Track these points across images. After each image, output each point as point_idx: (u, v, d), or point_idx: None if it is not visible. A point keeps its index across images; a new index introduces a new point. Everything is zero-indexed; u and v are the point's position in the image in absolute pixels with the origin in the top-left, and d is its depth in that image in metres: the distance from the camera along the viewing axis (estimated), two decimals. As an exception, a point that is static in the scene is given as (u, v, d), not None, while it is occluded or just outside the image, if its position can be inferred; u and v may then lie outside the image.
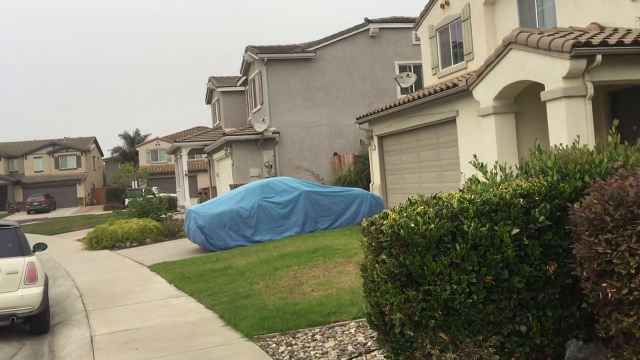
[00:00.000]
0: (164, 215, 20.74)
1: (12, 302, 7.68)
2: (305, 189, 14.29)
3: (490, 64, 12.46)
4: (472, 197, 4.40)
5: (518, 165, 5.17)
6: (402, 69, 24.91)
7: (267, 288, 8.56)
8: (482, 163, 5.23)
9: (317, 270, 9.29)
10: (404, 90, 24.49)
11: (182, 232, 18.11)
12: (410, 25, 24.70)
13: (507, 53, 11.87)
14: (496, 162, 5.43)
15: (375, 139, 19.42)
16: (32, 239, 24.44)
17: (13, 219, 47.84)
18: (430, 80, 18.93)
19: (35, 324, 8.10)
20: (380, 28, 25.21)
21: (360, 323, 6.45)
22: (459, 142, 14.68)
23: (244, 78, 28.81)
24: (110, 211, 37.51)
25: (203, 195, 34.43)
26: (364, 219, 4.90)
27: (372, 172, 19.88)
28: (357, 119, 20.08)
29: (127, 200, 39.22)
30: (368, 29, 25.16)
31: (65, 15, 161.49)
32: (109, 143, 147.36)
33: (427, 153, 16.55)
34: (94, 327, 7.64)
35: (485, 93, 12.79)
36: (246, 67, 27.39)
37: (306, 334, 6.37)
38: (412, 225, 4.24)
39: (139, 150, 65.70)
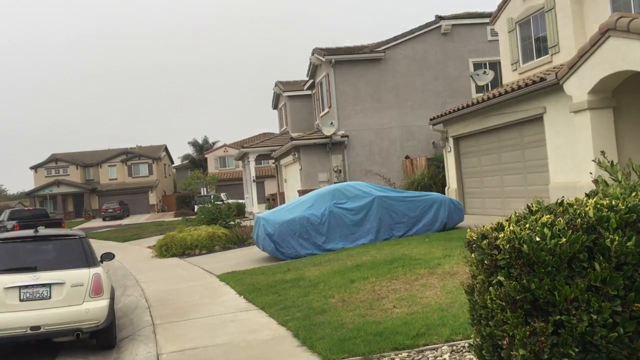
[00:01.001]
0: (232, 222, 20.42)
1: (77, 316, 7.29)
2: (378, 194, 13.49)
3: (584, 55, 11.28)
4: (613, 203, 3.50)
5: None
6: (477, 66, 23.69)
7: (344, 303, 7.82)
8: (611, 162, 4.27)
9: (398, 283, 8.47)
10: (479, 89, 23.31)
11: (251, 240, 17.68)
12: (485, 20, 23.49)
13: (605, 41, 10.69)
14: (629, 160, 4.45)
15: (451, 141, 18.38)
16: (106, 245, 24.91)
17: (89, 225, 49.43)
18: (509, 77, 17.72)
19: (102, 338, 7.69)
20: (452, 25, 24.11)
21: (455, 347, 5.60)
22: (547, 142, 13.50)
23: (310, 81, 28.31)
24: (181, 218, 37.90)
25: (271, 201, 34.16)
26: (468, 231, 4.06)
27: (448, 176, 18.83)
28: (431, 119, 19.10)
29: (196, 207, 39.59)
30: (440, 26, 24.11)
31: (136, 30, 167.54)
32: (179, 151, 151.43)
33: (510, 154, 15.40)
34: (161, 344, 7.12)
35: (579, 87, 11.61)
36: (313, 70, 26.87)
37: (392, 359, 5.58)
38: (538, 239, 3.39)
39: (208, 157, 66.72)
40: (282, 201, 29.45)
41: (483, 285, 3.78)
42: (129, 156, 66.92)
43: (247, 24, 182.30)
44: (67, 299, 7.31)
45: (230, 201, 34.65)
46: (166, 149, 73.81)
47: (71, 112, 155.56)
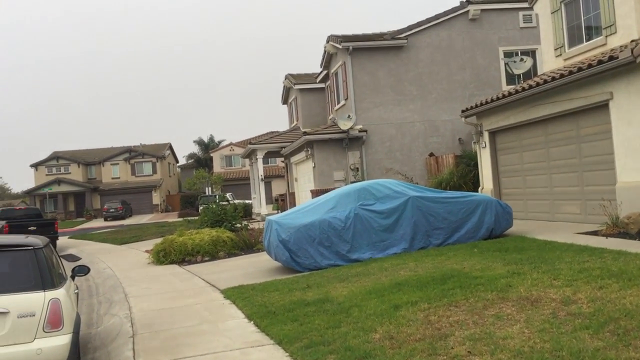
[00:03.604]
0: (239, 225, 18.33)
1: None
2: (413, 193, 11.37)
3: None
4: None
5: None
6: (508, 55, 21.56)
7: (392, 341, 5.72)
8: None
9: (460, 312, 6.36)
10: (510, 80, 21.21)
11: (260, 245, 15.61)
12: (517, 5, 21.41)
13: None
14: None
15: (486, 135, 16.24)
16: (101, 249, 22.84)
17: (89, 226, 47.50)
18: (552, 64, 15.57)
19: (60, 390, 5.62)
20: (481, 10, 21.98)
21: None
22: (614, 133, 11.35)
23: (324, 73, 26.21)
24: (183, 219, 35.88)
25: (280, 202, 32.11)
26: None
27: (482, 174, 16.68)
28: (463, 111, 16.96)
29: (200, 207, 37.58)
30: (468, 11, 21.99)
31: (141, 26, 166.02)
32: (184, 149, 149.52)
33: (562, 149, 13.26)
34: (139, 401, 5.05)
35: (667, 63, 9.47)
36: (327, 60, 24.76)
37: None
38: None
39: (213, 156, 64.76)
40: (293, 202, 27.35)
41: None
42: (133, 154, 64.99)
43: (255, 19, 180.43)
44: (12, 335, 5.27)
45: (236, 201, 32.59)
46: (171, 148, 71.87)
47: (74, 109, 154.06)
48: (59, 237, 25.48)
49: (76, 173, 63.13)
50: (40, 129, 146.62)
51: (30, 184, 63.61)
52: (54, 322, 5.44)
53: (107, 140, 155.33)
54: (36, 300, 5.44)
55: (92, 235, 32.17)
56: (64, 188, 61.13)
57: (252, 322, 7.59)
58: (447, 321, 6.11)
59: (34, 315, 5.38)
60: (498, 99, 14.86)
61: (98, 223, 50.89)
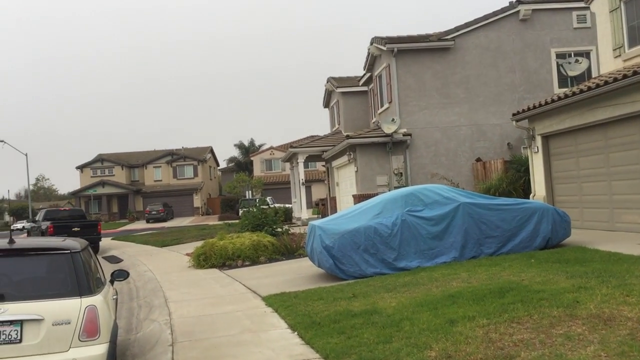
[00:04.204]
0: (280, 229, 17.99)
1: (60, 371, 4.95)
2: (464, 200, 10.79)
3: None
4: None
5: None
6: (560, 57, 20.67)
7: (450, 360, 5.23)
8: None
9: (523, 330, 5.81)
10: (562, 83, 20.30)
11: (302, 251, 15.25)
12: (571, 5, 20.55)
13: None
14: None
15: (539, 139, 15.50)
16: (143, 251, 22.89)
17: (132, 227, 48.10)
18: (610, 65, 14.78)
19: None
20: (532, 10, 21.17)
21: None
22: (685, 137, 10.53)
23: (367, 75, 25.73)
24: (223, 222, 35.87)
25: (320, 206, 31.72)
26: None
27: (534, 181, 15.93)
28: (514, 114, 16.24)
29: (241, 211, 37.55)
30: (518, 12, 21.22)
31: (186, 35, 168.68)
32: (225, 153, 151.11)
33: (623, 154, 12.47)
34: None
35: None
36: (371, 62, 24.28)
37: None
38: None
39: (254, 160, 64.96)
40: (334, 206, 26.93)
41: None
42: (174, 157, 65.75)
43: (299, 27, 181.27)
44: (46, 344, 5.00)
45: (276, 205, 32.34)
46: (212, 151, 72.47)
47: (119, 112, 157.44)
48: (102, 239, 25.67)
49: (120, 175, 64.22)
50: (86, 132, 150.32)
51: (76, 186, 65.03)
52: (90, 331, 5.15)
53: (150, 144, 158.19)
54: (72, 307, 5.16)
55: (134, 237, 32.43)
56: (108, 190, 62.22)
57: (295, 332, 7.20)
58: (510, 340, 5.58)
59: (69, 323, 5.09)
60: (553, 101, 14.12)
61: (140, 225, 51.55)
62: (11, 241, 5.62)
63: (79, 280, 5.36)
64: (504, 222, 10.66)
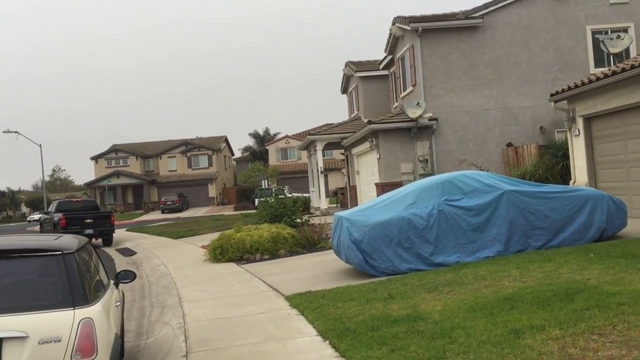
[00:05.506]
0: (299, 220, 17.01)
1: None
2: (508, 187, 9.72)
3: None
4: None
5: None
6: (597, 34, 19.36)
7: (527, 385, 4.21)
8: None
9: (610, 344, 4.78)
10: (599, 62, 19.04)
11: (324, 243, 14.29)
12: (608, -22, 19.17)
13: None
14: None
15: (580, 122, 14.33)
16: (157, 243, 21.92)
17: (147, 218, 47.49)
18: (657, 40, 13.52)
19: None
20: (566, -16, 19.84)
21: None
22: None
23: (389, 58, 24.58)
24: (239, 213, 35.02)
25: (340, 195, 30.72)
26: None
27: (574, 166, 14.78)
28: (552, 95, 15.08)
29: (257, 201, 36.65)
30: (551, -14, 19.91)
31: (199, 20, 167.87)
32: (240, 142, 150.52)
33: (680, 136, 11.29)
34: None
35: None
36: (393, 43, 23.12)
37: None
38: None
39: (269, 149, 64.06)
40: (354, 195, 25.90)
41: None
42: (189, 147, 65.02)
43: (312, 10, 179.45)
44: (31, 367, 4.06)
45: (294, 194, 31.39)
46: (226, 140, 71.65)
47: (133, 102, 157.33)
48: (116, 230, 24.93)
49: (134, 166, 63.67)
50: (100, 123, 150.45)
51: (91, 176, 64.62)
52: (85, 349, 4.21)
53: (164, 134, 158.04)
54: (63, 321, 4.22)
55: (149, 228, 31.70)
56: (123, 180, 61.72)
57: (327, 341, 6.23)
58: (596, 357, 4.55)
59: (59, 340, 4.16)
60: (598, 79, 12.95)
61: (155, 215, 50.94)
62: (-9, 241, 4.69)
63: (72, 287, 4.41)
64: (554, 212, 9.57)
